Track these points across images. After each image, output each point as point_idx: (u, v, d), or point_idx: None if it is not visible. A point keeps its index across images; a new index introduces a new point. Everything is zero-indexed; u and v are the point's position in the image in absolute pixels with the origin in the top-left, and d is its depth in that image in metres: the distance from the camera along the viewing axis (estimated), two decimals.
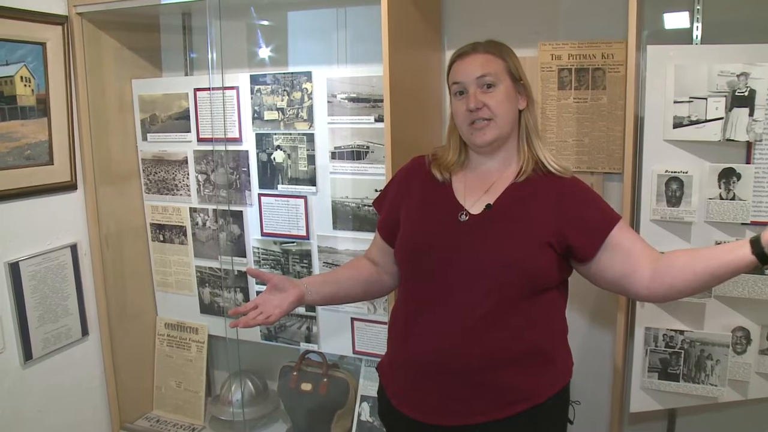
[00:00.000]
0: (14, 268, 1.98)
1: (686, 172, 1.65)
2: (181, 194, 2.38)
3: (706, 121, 1.60)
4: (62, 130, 2.11)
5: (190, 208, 2.38)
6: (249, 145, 2.22)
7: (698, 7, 1.74)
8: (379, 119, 1.96)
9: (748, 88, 1.56)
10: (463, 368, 1.29)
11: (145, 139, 2.40)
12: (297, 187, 2.16)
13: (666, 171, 1.67)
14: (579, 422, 1.51)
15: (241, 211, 2.28)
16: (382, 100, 1.79)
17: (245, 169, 2.24)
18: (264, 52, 2.37)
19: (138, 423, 2.44)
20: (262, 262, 2.28)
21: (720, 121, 1.59)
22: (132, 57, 2.36)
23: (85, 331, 2.25)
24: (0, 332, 1.95)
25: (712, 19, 1.74)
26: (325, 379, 2.24)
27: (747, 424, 1.90)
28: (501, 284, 1.28)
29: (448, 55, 1.42)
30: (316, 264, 2.19)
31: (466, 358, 1.28)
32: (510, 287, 1.28)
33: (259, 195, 2.23)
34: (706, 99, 1.60)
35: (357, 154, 2.04)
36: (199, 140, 2.30)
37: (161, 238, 2.45)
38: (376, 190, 1.95)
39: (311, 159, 2.12)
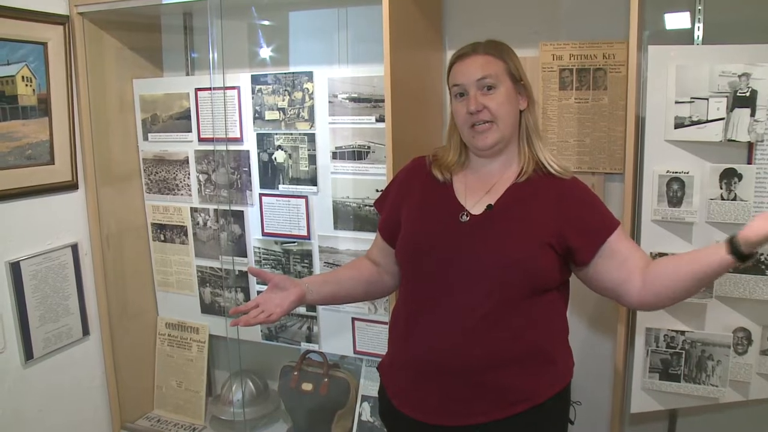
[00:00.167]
0: (15, 268, 1.98)
1: (687, 173, 1.65)
2: (182, 194, 2.38)
3: (708, 121, 1.60)
4: (63, 130, 2.12)
5: (191, 208, 2.38)
6: (250, 145, 2.22)
7: (699, 8, 1.74)
8: (380, 119, 1.96)
9: (750, 89, 1.56)
10: (463, 368, 1.29)
11: (146, 138, 2.40)
12: (298, 187, 2.16)
13: (667, 171, 1.67)
14: (579, 422, 1.51)
15: (242, 211, 2.28)
16: (383, 100, 1.79)
17: (246, 169, 2.24)
18: (265, 52, 2.37)
19: (138, 423, 2.45)
20: (263, 262, 2.28)
21: (721, 121, 1.59)
22: (133, 57, 2.37)
23: (85, 331, 2.25)
24: (1, 332, 1.95)
25: (713, 19, 1.74)
26: (326, 379, 2.24)
27: (748, 424, 1.89)
28: (502, 284, 1.28)
29: (449, 54, 1.42)
30: (317, 264, 2.19)
31: (467, 358, 1.28)
32: (511, 287, 1.28)
33: (260, 195, 2.23)
34: (707, 99, 1.60)
35: (358, 154, 2.04)
36: (200, 140, 2.30)
37: (162, 238, 2.45)
38: (377, 190, 1.95)
39: (312, 159, 2.12)
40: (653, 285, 1.27)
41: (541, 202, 1.33)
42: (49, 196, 2.10)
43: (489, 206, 1.34)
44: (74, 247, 2.19)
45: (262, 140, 2.19)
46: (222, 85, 2.18)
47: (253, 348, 2.41)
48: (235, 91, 2.19)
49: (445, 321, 1.31)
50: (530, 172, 1.36)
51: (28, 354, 2.03)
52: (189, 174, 2.35)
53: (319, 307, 2.21)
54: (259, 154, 2.21)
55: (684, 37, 1.77)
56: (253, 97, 2.18)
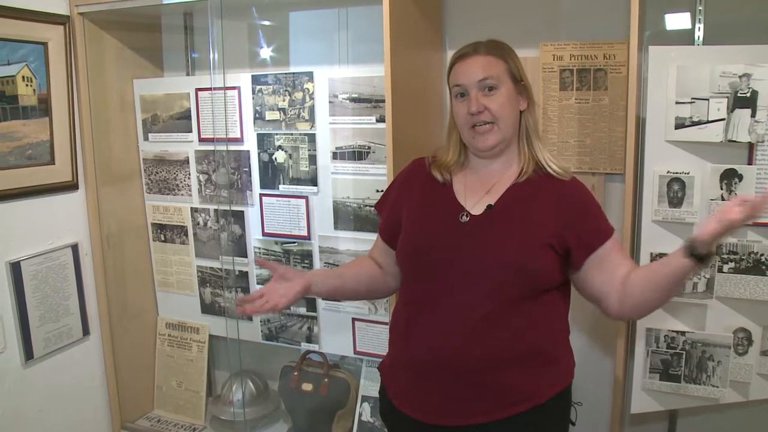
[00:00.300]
0: (15, 268, 1.98)
1: (688, 173, 1.65)
2: (182, 194, 2.38)
3: (708, 122, 1.60)
4: (64, 130, 2.12)
5: (192, 208, 2.38)
6: (250, 145, 2.22)
7: (700, 8, 1.74)
8: (381, 119, 1.96)
9: (750, 89, 1.56)
10: (464, 368, 1.29)
11: (146, 138, 2.40)
12: (298, 187, 2.16)
13: (668, 172, 1.67)
14: (580, 423, 1.51)
15: (243, 211, 2.28)
16: (383, 101, 1.79)
17: (246, 169, 2.24)
18: (265, 52, 2.37)
19: (139, 423, 2.45)
20: None
21: (722, 122, 1.59)
22: (133, 57, 2.37)
23: (86, 331, 2.25)
24: (1, 332, 1.95)
25: (713, 19, 1.74)
26: (326, 380, 2.24)
27: (748, 425, 1.89)
28: (502, 285, 1.28)
29: (450, 54, 1.42)
30: (317, 264, 2.19)
31: (467, 358, 1.28)
32: (511, 288, 1.28)
33: (261, 195, 2.23)
34: (707, 100, 1.60)
35: (358, 155, 2.04)
36: (201, 140, 2.30)
37: (162, 238, 2.45)
38: (378, 191, 1.95)
39: (312, 159, 2.12)
40: (628, 297, 1.29)
41: (542, 203, 1.33)
42: (50, 196, 2.10)
43: (489, 206, 1.34)
44: (74, 247, 2.19)
45: (263, 140, 2.19)
46: (222, 86, 2.18)
47: (253, 348, 2.41)
48: (236, 91, 2.19)
49: (446, 321, 1.31)
50: (530, 172, 1.36)
51: (29, 354, 2.03)
52: (189, 174, 2.35)
53: (320, 308, 2.21)
54: (259, 154, 2.21)
55: (684, 37, 1.77)
56: (253, 98, 2.18)
